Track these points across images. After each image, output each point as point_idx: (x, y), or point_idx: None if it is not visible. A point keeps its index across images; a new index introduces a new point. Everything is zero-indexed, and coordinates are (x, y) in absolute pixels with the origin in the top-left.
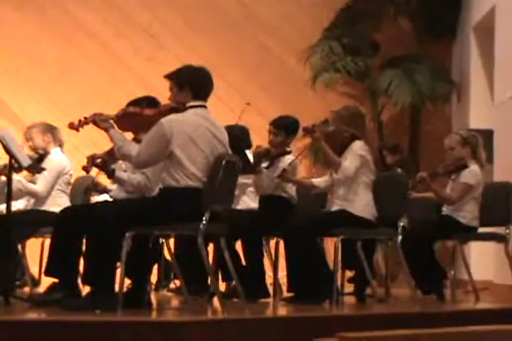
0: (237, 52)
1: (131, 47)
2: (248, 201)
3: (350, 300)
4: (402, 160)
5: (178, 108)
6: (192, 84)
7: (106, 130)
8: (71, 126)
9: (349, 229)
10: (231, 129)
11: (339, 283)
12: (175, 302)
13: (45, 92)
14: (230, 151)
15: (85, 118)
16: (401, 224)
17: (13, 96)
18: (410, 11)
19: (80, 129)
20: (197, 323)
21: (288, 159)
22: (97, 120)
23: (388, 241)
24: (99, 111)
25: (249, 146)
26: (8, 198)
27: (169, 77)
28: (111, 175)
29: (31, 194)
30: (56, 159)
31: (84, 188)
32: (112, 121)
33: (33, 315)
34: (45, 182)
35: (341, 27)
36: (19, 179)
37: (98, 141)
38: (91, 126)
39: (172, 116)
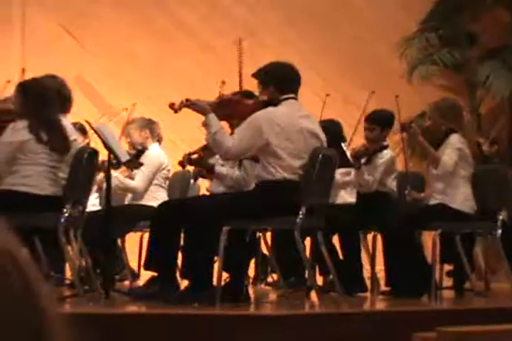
0: (331, 45)
1: (228, 43)
2: (346, 196)
3: (449, 294)
4: (500, 152)
5: (272, 101)
6: (274, 82)
7: (204, 113)
8: (171, 106)
9: (448, 223)
10: (325, 123)
11: (438, 277)
12: (272, 296)
13: (142, 88)
14: (325, 144)
15: (187, 100)
16: (500, 217)
17: (111, 92)
18: (508, 0)
19: (179, 111)
20: (294, 317)
21: (385, 154)
22: (197, 103)
23: (488, 235)
24: None
25: (343, 140)
26: (108, 194)
27: (254, 75)
28: (209, 170)
29: (129, 190)
30: (154, 154)
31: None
32: (209, 107)
33: (132, 309)
34: (143, 178)
35: (438, 18)
36: (116, 175)
37: (195, 137)
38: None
39: (267, 110)
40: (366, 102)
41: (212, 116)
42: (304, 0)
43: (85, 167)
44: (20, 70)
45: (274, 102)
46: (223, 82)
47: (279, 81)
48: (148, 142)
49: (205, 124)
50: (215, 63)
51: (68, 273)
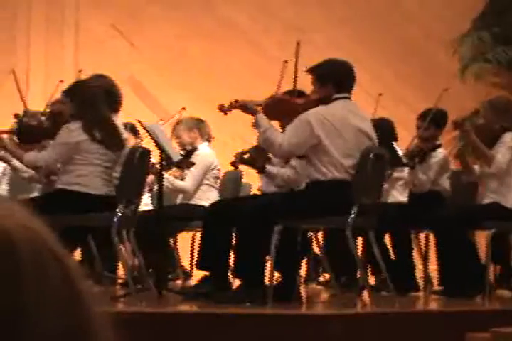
0: (381, 44)
1: (276, 41)
2: (397, 195)
3: (503, 294)
4: None
5: (324, 100)
6: (334, 79)
7: (253, 114)
8: (221, 108)
9: (501, 223)
10: (377, 122)
11: (492, 276)
12: (324, 295)
13: (192, 87)
14: (376, 143)
15: (236, 101)
16: None
17: (162, 92)
18: None
19: (228, 112)
20: (346, 317)
21: (439, 153)
22: (247, 104)
23: None
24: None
25: (395, 139)
26: (160, 194)
27: (311, 71)
28: (260, 170)
29: (179, 190)
30: (203, 154)
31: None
32: (259, 108)
33: (184, 307)
34: (192, 178)
35: (491, 16)
36: (166, 176)
37: (246, 136)
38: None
39: (319, 108)
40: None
41: (261, 117)
42: (355, 0)
43: (137, 167)
44: (77, 71)
45: (326, 101)
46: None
47: (338, 78)
48: (197, 142)
49: (255, 125)
50: (264, 63)
51: (121, 273)
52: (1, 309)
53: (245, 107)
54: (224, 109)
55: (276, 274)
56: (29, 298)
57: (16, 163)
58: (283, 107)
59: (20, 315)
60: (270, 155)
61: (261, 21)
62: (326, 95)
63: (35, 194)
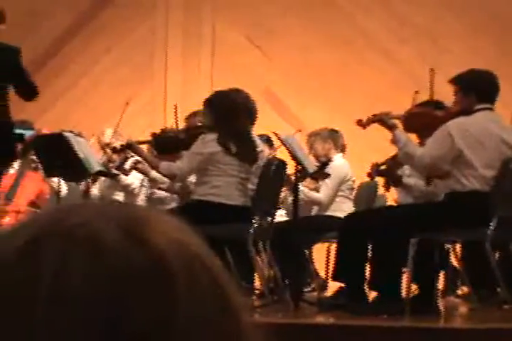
0: None
1: (412, 51)
2: None
3: None
4: None
5: (465, 111)
6: (477, 89)
7: (391, 129)
8: (359, 122)
9: None
10: None
11: None
12: (463, 309)
13: (327, 98)
14: None
15: (374, 115)
16: None
17: (296, 103)
18: None
19: (367, 127)
20: (486, 331)
21: None
22: (385, 118)
23: None
24: None
25: None
26: (295, 205)
27: (454, 81)
28: (397, 181)
29: (314, 202)
30: (338, 166)
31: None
32: (397, 121)
33: (320, 319)
34: (327, 190)
35: None
36: (301, 188)
37: (380, 146)
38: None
39: (459, 119)
40: None
41: (399, 132)
42: (489, 5)
43: (273, 178)
44: (211, 84)
45: (467, 112)
46: (417, 92)
47: (482, 89)
48: (331, 153)
49: (394, 140)
50: (399, 72)
51: (258, 283)
52: (155, 324)
53: (384, 122)
54: (362, 124)
55: (414, 286)
56: (182, 313)
57: (153, 174)
58: (423, 120)
59: (174, 328)
60: (405, 166)
61: (395, 31)
62: (468, 106)
63: (172, 205)
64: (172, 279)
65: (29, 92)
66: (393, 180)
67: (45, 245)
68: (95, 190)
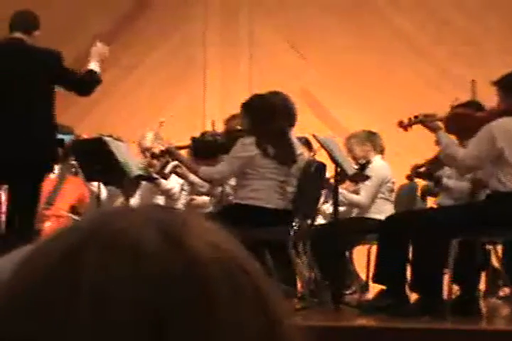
0: None
1: (448, 51)
2: None
3: None
4: None
5: (508, 111)
6: None
7: (433, 130)
8: (400, 124)
9: None
10: None
11: None
12: (504, 310)
13: (365, 100)
14: None
15: (415, 117)
16: None
17: (335, 105)
18: None
19: (409, 128)
20: None
21: None
22: (426, 120)
23: None
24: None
25: None
26: (335, 207)
27: (497, 83)
28: (437, 183)
29: (354, 204)
30: (377, 168)
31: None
32: (439, 123)
33: (361, 322)
34: (367, 193)
35: None
36: (341, 191)
37: (420, 147)
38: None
39: (502, 119)
40: None
41: (441, 133)
42: None
43: (313, 180)
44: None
45: (509, 113)
46: (474, 81)
47: None
48: (370, 155)
49: (437, 143)
50: (436, 73)
51: (298, 286)
52: (196, 330)
53: (426, 123)
54: (404, 125)
55: (455, 288)
56: (222, 319)
57: (193, 178)
58: (464, 122)
59: (211, 330)
60: (446, 168)
61: (433, 32)
62: (511, 106)
63: (209, 209)
64: (207, 282)
65: (81, 89)
66: (433, 181)
67: (87, 250)
68: (135, 195)
